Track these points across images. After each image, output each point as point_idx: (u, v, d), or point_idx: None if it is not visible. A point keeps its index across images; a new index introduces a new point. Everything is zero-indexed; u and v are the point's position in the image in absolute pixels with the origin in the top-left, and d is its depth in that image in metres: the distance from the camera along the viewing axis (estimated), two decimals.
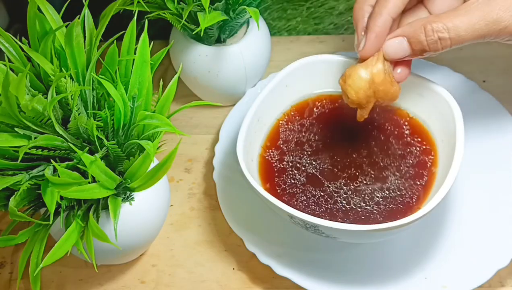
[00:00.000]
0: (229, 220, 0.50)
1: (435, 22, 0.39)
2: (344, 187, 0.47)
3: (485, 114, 0.54)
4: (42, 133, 0.38)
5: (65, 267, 0.51)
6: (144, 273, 0.50)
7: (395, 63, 0.43)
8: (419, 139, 0.49)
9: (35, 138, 0.38)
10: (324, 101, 0.52)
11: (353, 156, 0.49)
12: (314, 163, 0.49)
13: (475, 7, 0.38)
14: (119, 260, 0.49)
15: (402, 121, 0.50)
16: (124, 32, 0.43)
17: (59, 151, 0.39)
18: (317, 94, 0.52)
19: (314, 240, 0.49)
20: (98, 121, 0.40)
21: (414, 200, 0.45)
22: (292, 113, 0.52)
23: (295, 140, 0.50)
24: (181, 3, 0.51)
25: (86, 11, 0.43)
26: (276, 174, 0.48)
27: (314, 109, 0.52)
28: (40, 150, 0.38)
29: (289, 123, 0.52)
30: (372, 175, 0.47)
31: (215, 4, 0.50)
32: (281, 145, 0.50)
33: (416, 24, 0.40)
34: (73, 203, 0.41)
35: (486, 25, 0.38)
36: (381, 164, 0.48)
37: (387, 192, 0.46)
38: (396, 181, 0.47)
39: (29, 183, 0.38)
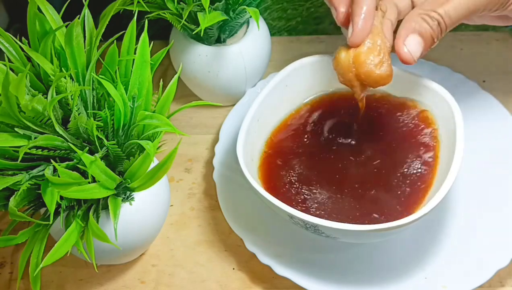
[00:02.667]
0: (229, 220, 0.50)
1: (430, 12, 0.41)
2: (344, 187, 0.47)
3: (485, 114, 0.54)
4: (42, 133, 0.38)
5: (65, 267, 0.51)
6: (144, 273, 0.50)
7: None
8: (419, 139, 0.49)
9: (35, 138, 0.38)
10: (324, 102, 0.52)
11: (353, 157, 0.49)
12: (314, 163, 0.49)
13: None
14: (119, 260, 0.49)
15: (402, 122, 0.50)
16: (124, 32, 0.43)
17: (59, 151, 0.39)
18: (317, 95, 0.53)
19: (314, 240, 0.49)
20: (98, 121, 0.40)
21: (414, 200, 0.45)
22: (293, 114, 0.52)
23: (296, 140, 0.50)
24: (181, 3, 0.51)
25: (86, 11, 0.43)
26: (276, 174, 0.48)
27: (315, 110, 0.52)
28: (40, 150, 0.38)
29: (290, 124, 0.52)
30: (372, 176, 0.47)
31: (215, 4, 0.50)
32: (282, 146, 0.50)
33: (414, 17, 0.41)
34: (73, 203, 0.41)
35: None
36: (381, 164, 0.48)
37: (387, 192, 0.46)
38: (396, 181, 0.47)
39: (29, 183, 0.38)
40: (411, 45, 0.42)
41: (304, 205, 0.46)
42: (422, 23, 0.41)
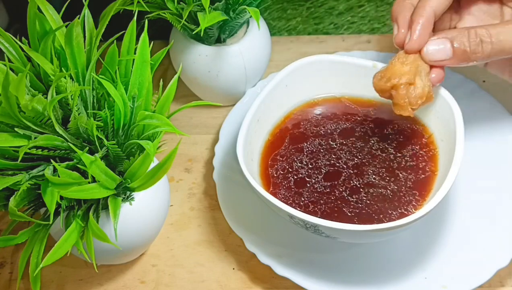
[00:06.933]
0: (229, 220, 0.50)
1: (479, 28, 0.40)
2: (344, 188, 0.47)
3: (485, 114, 0.54)
4: (42, 133, 0.38)
5: (65, 267, 0.51)
6: (144, 273, 0.50)
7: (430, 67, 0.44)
8: (419, 140, 0.49)
9: (35, 138, 0.38)
10: (324, 102, 0.52)
11: (353, 158, 0.49)
12: (314, 164, 0.49)
13: None
14: (119, 260, 0.49)
15: (402, 122, 0.50)
16: (124, 32, 0.43)
17: (59, 151, 0.39)
18: (317, 95, 0.53)
19: (314, 240, 0.49)
20: (98, 121, 0.40)
21: (414, 200, 0.45)
22: (293, 114, 0.52)
23: (296, 141, 0.50)
24: (181, 3, 0.51)
25: (86, 11, 0.43)
26: (276, 174, 0.48)
27: (315, 110, 0.52)
28: (40, 150, 0.38)
29: (290, 124, 0.52)
30: (373, 176, 0.47)
31: (215, 4, 0.50)
32: (282, 146, 0.50)
33: (459, 29, 0.41)
34: (73, 203, 0.41)
35: None
36: (381, 164, 0.48)
37: (387, 192, 0.46)
38: (396, 181, 0.47)
39: (29, 183, 0.38)
40: (431, 46, 0.41)
41: (304, 205, 0.46)
42: (461, 35, 0.40)
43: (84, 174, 0.39)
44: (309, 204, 0.46)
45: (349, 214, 0.45)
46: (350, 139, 0.50)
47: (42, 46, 0.41)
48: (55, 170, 0.38)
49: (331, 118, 0.52)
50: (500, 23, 0.41)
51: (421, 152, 0.48)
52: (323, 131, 0.51)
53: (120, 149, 0.41)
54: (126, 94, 0.41)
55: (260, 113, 0.49)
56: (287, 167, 0.49)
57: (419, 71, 0.43)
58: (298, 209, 0.44)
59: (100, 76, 0.41)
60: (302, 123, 0.51)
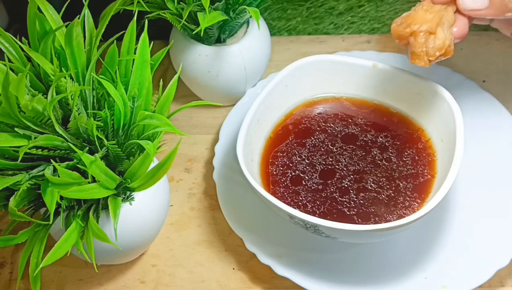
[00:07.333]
0: (229, 220, 0.50)
1: None
2: (344, 188, 0.47)
3: (485, 114, 0.54)
4: (42, 133, 0.38)
5: (65, 267, 0.51)
6: (144, 273, 0.50)
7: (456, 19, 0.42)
8: (419, 140, 0.49)
9: (35, 138, 0.38)
10: (324, 103, 0.52)
11: (353, 158, 0.49)
12: (314, 164, 0.49)
13: None
14: (119, 260, 0.49)
15: (402, 123, 0.50)
16: (124, 32, 0.43)
17: (59, 151, 0.39)
18: (317, 95, 0.53)
19: (314, 240, 0.49)
20: (98, 121, 0.40)
21: (414, 200, 0.45)
22: (293, 114, 0.52)
23: (296, 141, 0.51)
24: (181, 3, 0.51)
25: (86, 11, 0.43)
26: (277, 174, 0.48)
27: (315, 110, 0.52)
28: (40, 150, 0.38)
29: (290, 124, 0.52)
30: (373, 176, 0.47)
31: (215, 4, 0.50)
32: (282, 146, 0.50)
33: None
34: (73, 203, 0.41)
35: None
36: (382, 165, 0.48)
37: (387, 192, 0.46)
38: (396, 181, 0.47)
39: (29, 183, 0.38)
40: None
41: (304, 205, 0.46)
42: None
43: (84, 174, 0.39)
44: (310, 204, 0.46)
45: (350, 214, 0.45)
46: (350, 140, 0.50)
47: (42, 46, 0.41)
48: (55, 170, 0.38)
49: (331, 118, 0.52)
50: None
51: (420, 152, 0.48)
52: (324, 134, 0.51)
53: (120, 149, 0.41)
54: (126, 94, 0.41)
55: (260, 113, 0.49)
56: (288, 167, 0.49)
57: (442, 22, 0.41)
58: (298, 209, 0.45)
59: (100, 76, 0.41)
60: (302, 124, 0.51)
